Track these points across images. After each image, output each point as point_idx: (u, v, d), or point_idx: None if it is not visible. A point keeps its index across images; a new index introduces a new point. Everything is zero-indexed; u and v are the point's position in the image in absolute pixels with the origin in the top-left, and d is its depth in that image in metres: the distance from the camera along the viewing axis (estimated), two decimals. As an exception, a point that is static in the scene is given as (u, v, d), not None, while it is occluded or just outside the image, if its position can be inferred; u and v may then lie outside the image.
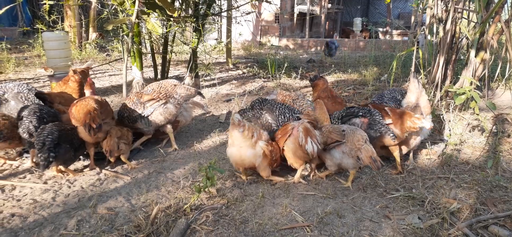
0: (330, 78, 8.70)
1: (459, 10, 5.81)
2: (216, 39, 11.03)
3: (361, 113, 3.98)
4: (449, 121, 5.20)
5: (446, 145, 4.71)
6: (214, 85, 8.02)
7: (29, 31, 13.38)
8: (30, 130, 3.76)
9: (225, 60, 10.83)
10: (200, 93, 4.91)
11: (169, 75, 7.86)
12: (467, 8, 6.16)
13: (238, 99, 6.75)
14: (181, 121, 4.73)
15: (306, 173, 4.04)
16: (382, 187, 3.75)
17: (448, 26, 5.82)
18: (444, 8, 5.97)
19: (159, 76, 7.57)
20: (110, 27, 5.78)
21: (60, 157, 3.61)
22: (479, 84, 5.35)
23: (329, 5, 17.72)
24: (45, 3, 7.81)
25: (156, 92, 4.54)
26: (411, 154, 4.34)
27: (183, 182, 3.79)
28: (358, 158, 3.50)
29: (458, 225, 3.04)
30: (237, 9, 8.86)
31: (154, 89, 4.58)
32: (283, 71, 8.62)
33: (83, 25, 11.66)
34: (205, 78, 8.33)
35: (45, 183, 3.76)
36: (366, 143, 3.50)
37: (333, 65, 10.25)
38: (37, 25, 8.30)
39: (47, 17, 8.54)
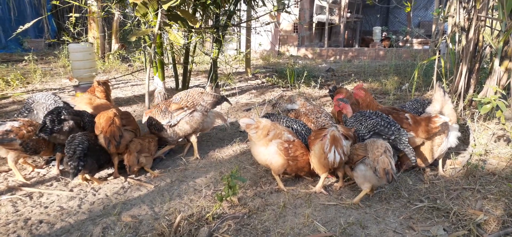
0: (350, 88, 8.64)
1: (482, 18, 5.73)
2: (236, 49, 11.15)
3: (391, 133, 3.86)
4: (474, 131, 5.11)
5: (470, 155, 4.62)
6: (234, 94, 8.08)
7: (54, 43, 13.81)
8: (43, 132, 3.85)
9: (244, 70, 10.91)
10: (226, 99, 4.96)
11: (190, 85, 7.97)
12: (491, 16, 6.06)
13: (258, 108, 6.79)
14: (203, 127, 4.79)
15: (328, 183, 4.02)
16: (406, 197, 3.70)
17: (471, 34, 5.73)
18: (467, 16, 5.88)
19: (180, 86, 7.68)
20: (134, 38, 5.91)
21: (87, 167, 3.73)
22: (504, 93, 5.24)
23: (348, 14, 17.65)
24: (70, 16, 8.05)
25: (184, 100, 4.61)
26: (440, 162, 4.27)
27: (205, 190, 3.83)
28: (375, 169, 3.33)
29: (485, 238, 2.98)
30: (257, 20, 8.94)
31: (181, 98, 4.66)
32: (302, 80, 8.63)
33: (106, 37, 11.94)
34: (225, 88, 8.40)
35: (71, 190, 3.85)
36: (385, 153, 3.33)
37: (352, 74, 10.20)
38: (63, 37, 8.55)
39: (72, 29, 8.79)
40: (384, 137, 3.80)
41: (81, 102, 4.79)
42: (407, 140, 3.79)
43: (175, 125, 4.50)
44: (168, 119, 4.49)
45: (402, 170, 4.19)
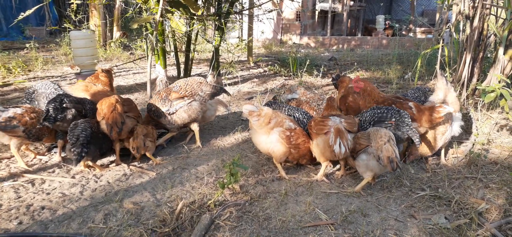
0: (353, 76, 8.61)
1: (487, 6, 5.66)
2: (238, 37, 11.09)
3: (390, 116, 3.82)
4: (477, 120, 5.08)
5: (473, 144, 4.60)
6: (236, 83, 8.06)
7: (56, 31, 13.76)
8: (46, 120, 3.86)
9: (246, 58, 10.87)
10: (225, 91, 4.92)
11: (191, 74, 7.94)
12: (496, 4, 5.99)
13: (260, 97, 6.77)
14: (206, 116, 4.78)
15: (330, 171, 4.02)
16: (407, 186, 3.70)
17: (476, 23, 5.68)
18: (472, 4, 5.82)
19: (182, 74, 7.66)
20: (135, 26, 5.88)
21: (90, 153, 3.76)
22: (508, 82, 5.20)
23: (351, 3, 17.53)
24: (72, 3, 8.01)
25: (183, 89, 4.58)
26: (442, 151, 4.25)
27: (206, 178, 3.83)
28: (379, 158, 3.32)
29: (487, 226, 2.97)
30: (259, 7, 8.88)
31: (181, 86, 4.62)
32: (305, 69, 8.59)
33: (108, 24, 11.90)
34: (227, 76, 8.38)
35: (73, 177, 3.86)
36: (389, 142, 3.32)
37: (355, 63, 10.15)
38: (65, 25, 8.51)
39: (73, 16, 8.75)
40: (386, 121, 3.77)
41: (78, 90, 4.77)
42: (410, 121, 3.74)
43: (173, 113, 4.49)
44: (167, 107, 4.48)
45: (409, 160, 4.17)
